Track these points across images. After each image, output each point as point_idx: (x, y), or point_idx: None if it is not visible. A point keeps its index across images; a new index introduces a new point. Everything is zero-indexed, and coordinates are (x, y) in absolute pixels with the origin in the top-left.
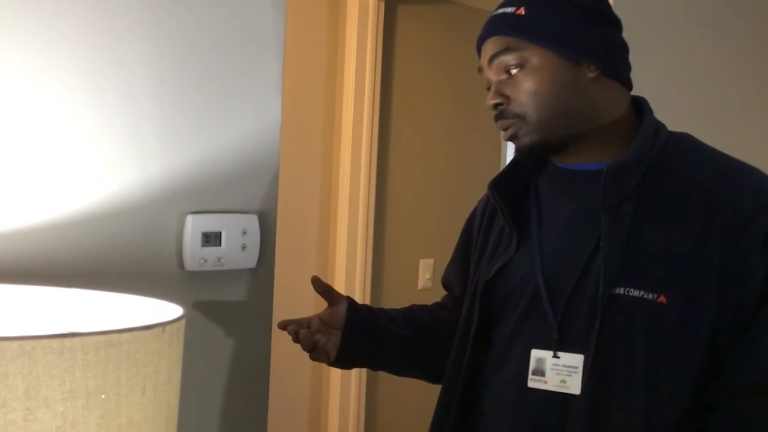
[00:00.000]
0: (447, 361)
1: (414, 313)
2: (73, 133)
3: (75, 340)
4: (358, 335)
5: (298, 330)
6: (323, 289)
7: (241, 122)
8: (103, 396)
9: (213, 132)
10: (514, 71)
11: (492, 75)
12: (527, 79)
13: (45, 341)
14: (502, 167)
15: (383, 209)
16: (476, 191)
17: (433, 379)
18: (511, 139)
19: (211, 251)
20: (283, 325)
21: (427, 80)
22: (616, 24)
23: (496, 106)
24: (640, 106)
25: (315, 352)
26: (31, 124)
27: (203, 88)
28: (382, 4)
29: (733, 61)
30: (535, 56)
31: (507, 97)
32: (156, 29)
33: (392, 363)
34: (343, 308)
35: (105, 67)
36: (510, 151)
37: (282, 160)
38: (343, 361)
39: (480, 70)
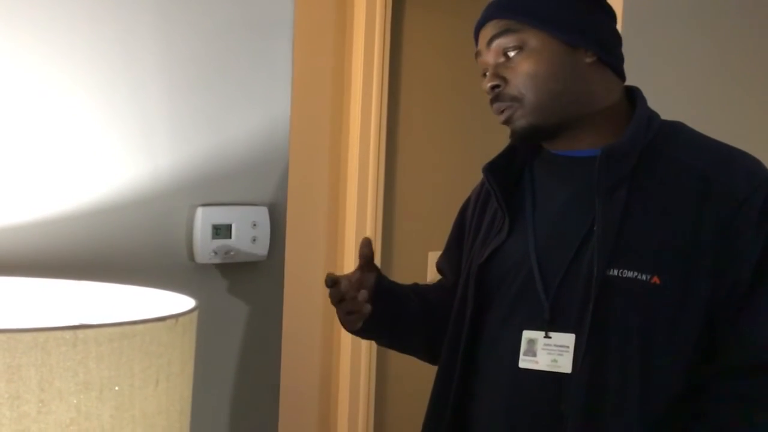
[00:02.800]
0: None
1: (426, 295)
2: (82, 125)
3: (88, 331)
4: (378, 317)
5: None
6: (368, 254)
7: (250, 114)
8: (116, 388)
9: (222, 124)
10: (512, 54)
11: (490, 58)
12: (525, 61)
13: (58, 333)
14: None
15: (392, 201)
16: None
17: (432, 358)
18: (506, 122)
19: (221, 243)
20: (331, 283)
21: (436, 71)
22: (610, 13)
23: (493, 88)
24: (633, 96)
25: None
26: (41, 117)
27: (212, 79)
28: None
29: (737, 59)
30: (533, 39)
31: (504, 80)
32: (165, 22)
33: (400, 340)
34: (371, 280)
35: (114, 59)
36: None
37: (291, 152)
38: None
39: (477, 55)
